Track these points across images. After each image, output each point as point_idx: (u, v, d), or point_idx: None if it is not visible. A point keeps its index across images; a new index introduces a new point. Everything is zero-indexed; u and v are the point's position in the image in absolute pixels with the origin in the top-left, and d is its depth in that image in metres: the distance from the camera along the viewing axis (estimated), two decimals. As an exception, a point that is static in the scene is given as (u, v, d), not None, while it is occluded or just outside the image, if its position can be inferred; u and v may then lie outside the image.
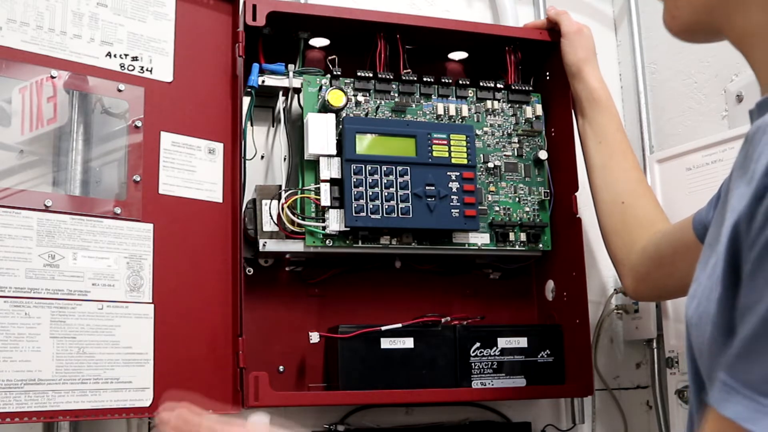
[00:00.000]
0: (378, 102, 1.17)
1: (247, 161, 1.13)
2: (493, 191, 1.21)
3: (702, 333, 0.54)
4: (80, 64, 1.01)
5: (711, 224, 0.65)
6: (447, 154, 1.15)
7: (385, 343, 1.10)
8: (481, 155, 1.21)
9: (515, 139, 1.24)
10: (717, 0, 0.62)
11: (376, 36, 1.19)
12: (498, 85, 1.24)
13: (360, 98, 1.17)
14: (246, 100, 1.13)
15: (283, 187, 1.12)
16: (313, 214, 1.10)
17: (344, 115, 1.14)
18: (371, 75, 1.17)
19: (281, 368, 1.16)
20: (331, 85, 1.15)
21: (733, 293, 0.50)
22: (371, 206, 1.10)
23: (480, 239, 1.18)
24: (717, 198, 0.86)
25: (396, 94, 1.19)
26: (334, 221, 1.09)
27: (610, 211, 1.11)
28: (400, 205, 1.11)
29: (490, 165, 1.21)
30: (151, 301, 1.01)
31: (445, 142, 1.15)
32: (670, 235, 0.99)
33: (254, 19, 1.09)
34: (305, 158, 1.12)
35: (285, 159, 1.16)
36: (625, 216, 1.09)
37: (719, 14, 0.62)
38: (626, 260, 1.07)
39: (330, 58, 1.18)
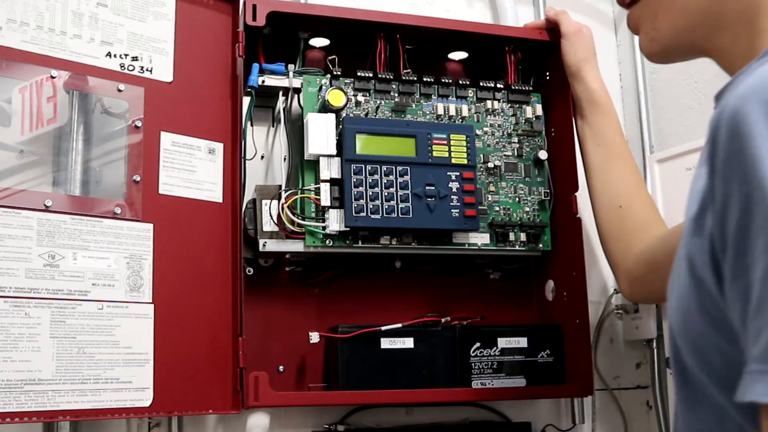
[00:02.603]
0: (378, 102, 1.17)
1: (247, 161, 1.13)
2: (493, 191, 1.21)
3: (687, 323, 0.55)
4: (80, 64, 1.01)
5: None
6: (447, 154, 1.15)
7: (385, 343, 1.10)
8: (481, 155, 1.21)
9: (515, 139, 1.24)
10: (699, 20, 0.63)
11: (376, 36, 1.19)
12: (498, 85, 1.24)
13: (360, 98, 1.17)
14: (246, 100, 1.13)
15: (283, 187, 1.12)
16: (313, 214, 1.10)
17: (344, 115, 1.14)
18: (371, 75, 1.17)
19: (281, 368, 1.16)
20: (331, 85, 1.15)
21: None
22: (371, 206, 1.10)
23: (480, 239, 1.18)
24: None
25: (396, 94, 1.19)
26: (334, 221, 1.09)
27: (608, 215, 1.11)
28: (400, 205, 1.11)
29: (490, 165, 1.21)
30: (151, 301, 1.01)
31: (445, 142, 1.15)
32: (666, 240, 1.00)
33: (254, 19, 1.09)
34: (305, 158, 1.12)
35: (285, 159, 1.16)
36: (622, 220, 1.09)
37: (700, 34, 0.63)
38: (622, 264, 1.08)
39: (330, 58, 1.18)
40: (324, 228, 1.10)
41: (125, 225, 1.01)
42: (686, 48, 0.66)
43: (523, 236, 1.21)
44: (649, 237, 1.04)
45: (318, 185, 1.10)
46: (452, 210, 1.13)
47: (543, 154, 1.23)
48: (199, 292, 1.05)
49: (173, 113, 1.07)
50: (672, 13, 0.65)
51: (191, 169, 1.08)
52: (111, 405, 0.96)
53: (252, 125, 1.20)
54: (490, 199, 1.21)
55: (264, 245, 1.09)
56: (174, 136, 1.07)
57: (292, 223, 1.10)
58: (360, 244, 1.12)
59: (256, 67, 1.13)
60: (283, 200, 1.09)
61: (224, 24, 1.13)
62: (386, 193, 1.11)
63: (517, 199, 1.22)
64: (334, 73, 1.16)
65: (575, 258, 1.19)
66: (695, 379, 0.57)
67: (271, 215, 1.10)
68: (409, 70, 1.20)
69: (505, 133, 1.24)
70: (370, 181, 1.10)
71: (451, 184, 1.14)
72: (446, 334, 1.14)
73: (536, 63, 1.28)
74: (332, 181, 1.10)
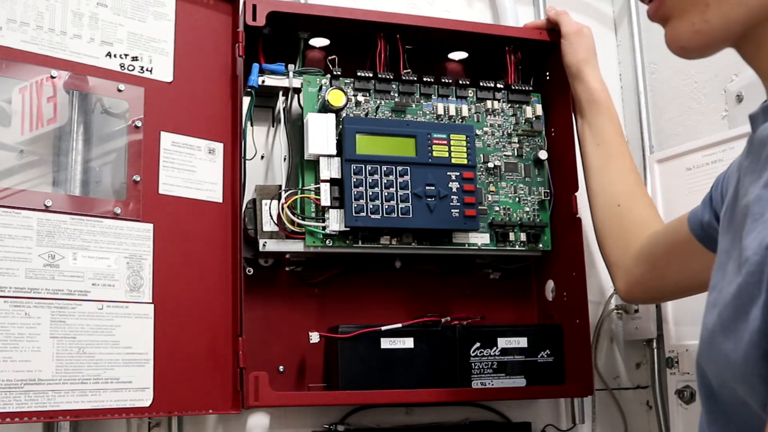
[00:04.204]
0: (378, 102, 1.17)
1: (247, 161, 1.13)
2: (493, 191, 1.21)
3: (728, 341, 0.53)
4: (80, 64, 1.01)
5: (721, 228, 0.64)
6: (447, 154, 1.15)
7: (385, 343, 1.10)
8: (481, 155, 1.21)
9: (515, 139, 1.24)
10: (756, 13, 0.58)
11: (376, 36, 1.19)
12: (498, 85, 1.24)
13: (360, 98, 1.17)
14: (246, 100, 1.13)
15: (283, 187, 1.12)
16: (313, 214, 1.10)
17: (344, 115, 1.14)
18: (371, 75, 1.17)
19: (281, 368, 1.16)
20: (331, 85, 1.15)
21: None
22: (371, 206, 1.10)
23: (480, 239, 1.18)
24: (710, 197, 0.86)
25: (396, 94, 1.19)
26: (334, 221, 1.09)
27: (606, 214, 1.11)
28: (400, 205, 1.11)
29: (490, 165, 1.21)
30: (151, 301, 1.01)
31: (445, 142, 1.15)
32: (663, 236, 0.99)
33: (254, 19, 1.09)
34: (305, 158, 1.12)
35: (285, 159, 1.16)
36: (621, 219, 1.09)
37: (750, 26, 0.59)
38: (620, 263, 1.07)
39: (330, 58, 1.18)
40: (324, 228, 1.10)
41: (125, 225, 1.01)
42: (732, 41, 0.61)
43: (523, 236, 1.21)
44: (648, 235, 1.04)
45: (318, 185, 1.10)
46: (452, 210, 1.13)
47: (543, 154, 1.23)
48: (199, 292, 1.05)
49: (173, 113, 1.07)
50: (729, 5, 0.59)
51: (191, 169, 1.08)
52: (111, 405, 0.96)
53: (252, 125, 1.20)
54: (490, 199, 1.21)
55: (264, 245, 1.09)
56: (174, 136, 1.07)
57: (292, 223, 1.10)
58: (360, 244, 1.12)
59: (256, 67, 1.13)
60: (283, 200, 1.09)
61: (224, 24, 1.13)
62: (386, 193, 1.11)
63: (517, 199, 1.22)
64: (334, 73, 1.16)
65: (575, 258, 1.19)
66: (724, 399, 0.56)
67: (271, 215, 1.10)
68: (409, 70, 1.20)
69: (505, 133, 1.24)
70: (370, 181, 1.10)
71: (451, 184, 1.14)
72: (446, 334, 1.14)
73: (536, 63, 1.28)
74: (332, 181, 1.10)
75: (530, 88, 1.26)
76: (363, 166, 1.10)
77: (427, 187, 1.12)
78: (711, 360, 0.57)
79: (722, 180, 0.82)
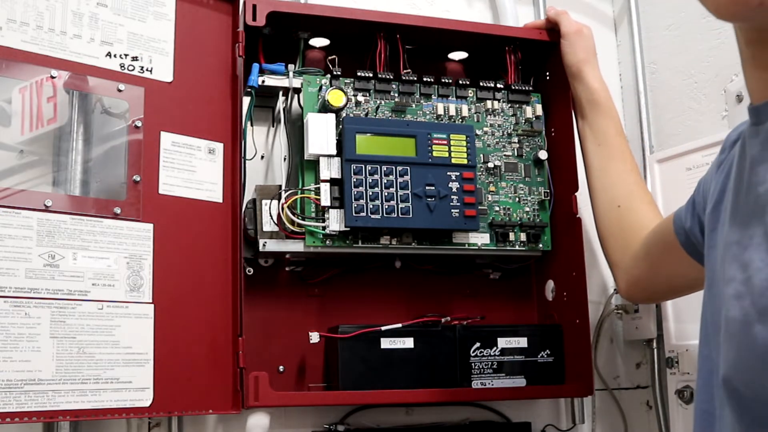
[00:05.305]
0: (378, 102, 1.17)
1: (247, 161, 1.13)
2: (493, 191, 1.21)
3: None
4: (80, 64, 1.01)
5: (722, 222, 0.64)
6: (447, 154, 1.15)
7: (385, 343, 1.10)
8: (481, 155, 1.21)
9: (515, 139, 1.24)
10: None
11: (376, 36, 1.19)
12: (498, 85, 1.24)
13: (360, 98, 1.17)
14: (246, 100, 1.13)
15: (283, 187, 1.12)
16: (313, 214, 1.10)
17: (344, 115, 1.14)
18: (371, 75, 1.17)
19: (281, 368, 1.16)
20: (331, 85, 1.15)
21: None
22: (371, 206, 1.10)
23: (480, 239, 1.18)
24: (693, 202, 0.85)
25: (396, 94, 1.19)
26: (334, 221, 1.09)
27: (607, 214, 1.11)
28: (400, 205, 1.11)
29: (490, 165, 1.21)
30: (151, 301, 1.01)
31: (445, 142, 1.15)
32: (655, 236, 0.99)
33: (254, 19, 1.09)
34: (305, 158, 1.12)
35: (285, 159, 1.16)
36: (621, 219, 1.09)
37: None
38: (621, 263, 1.08)
39: (330, 58, 1.18)
40: (324, 228, 1.10)
41: (125, 225, 1.01)
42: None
43: (523, 236, 1.21)
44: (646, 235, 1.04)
45: (318, 185, 1.10)
46: (452, 210, 1.13)
47: (543, 154, 1.23)
48: (199, 292, 1.05)
49: (173, 113, 1.07)
50: None
51: (191, 169, 1.08)
52: (111, 405, 0.96)
53: (252, 125, 1.20)
54: (490, 199, 1.21)
55: (264, 245, 1.09)
56: (174, 136, 1.07)
57: (292, 223, 1.10)
58: (360, 244, 1.12)
59: (256, 67, 1.13)
60: (283, 200, 1.09)
61: (224, 24, 1.13)
62: (386, 193, 1.11)
63: (517, 199, 1.22)
64: (334, 73, 1.16)
65: (575, 258, 1.19)
66: (747, 402, 0.56)
67: (271, 215, 1.10)
68: (409, 70, 1.20)
69: (505, 133, 1.24)
70: (370, 181, 1.10)
71: (451, 184, 1.14)
72: (446, 334, 1.14)
73: (536, 63, 1.28)
74: (332, 181, 1.10)
75: (530, 88, 1.26)
76: (363, 166, 1.10)
77: (427, 187, 1.12)
78: (744, 352, 0.56)
79: (704, 183, 0.82)
